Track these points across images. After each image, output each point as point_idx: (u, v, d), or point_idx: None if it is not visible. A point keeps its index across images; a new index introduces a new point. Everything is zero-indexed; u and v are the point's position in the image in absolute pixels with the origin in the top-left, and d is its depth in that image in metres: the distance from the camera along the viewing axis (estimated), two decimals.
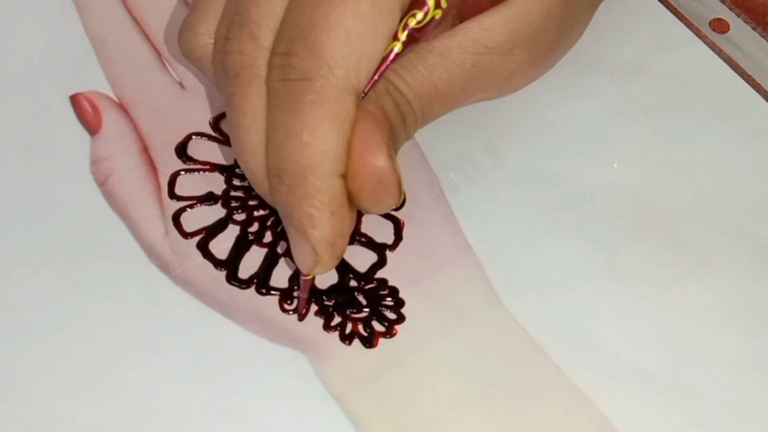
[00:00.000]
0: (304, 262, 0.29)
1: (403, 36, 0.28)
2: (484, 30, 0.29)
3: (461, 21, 0.29)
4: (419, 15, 0.28)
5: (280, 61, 0.27)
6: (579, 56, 0.34)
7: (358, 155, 0.27)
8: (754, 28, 0.38)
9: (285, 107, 0.27)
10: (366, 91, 0.27)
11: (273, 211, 0.33)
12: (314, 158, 0.27)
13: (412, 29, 0.28)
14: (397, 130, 0.28)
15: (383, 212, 0.30)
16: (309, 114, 0.27)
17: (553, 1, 0.30)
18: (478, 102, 0.31)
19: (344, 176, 0.27)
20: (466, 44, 0.29)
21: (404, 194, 0.33)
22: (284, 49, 0.27)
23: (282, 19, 0.28)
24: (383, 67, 0.28)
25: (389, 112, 0.28)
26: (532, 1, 0.29)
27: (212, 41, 0.30)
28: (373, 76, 0.27)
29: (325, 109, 0.27)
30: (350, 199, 0.28)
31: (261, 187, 0.29)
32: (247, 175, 0.29)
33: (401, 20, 0.28)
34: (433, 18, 0.28)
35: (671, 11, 0.38)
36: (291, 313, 0.31)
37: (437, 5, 0.28)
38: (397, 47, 0.28)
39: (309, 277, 0.30)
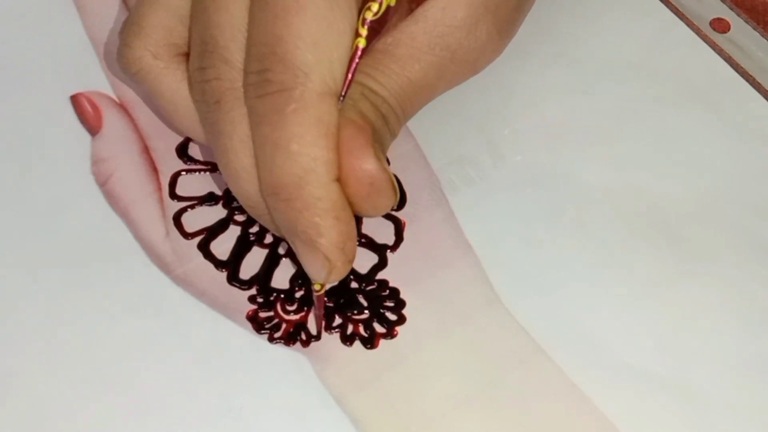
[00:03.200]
0: (317, 273, 0.28)
1: (363, 31, 0.28)
2: (442, 9, 0.29)
3: (417, 4, 0.29)
4: (374, 6, 0.28)
5: (255, 79, 0.27)
6: (580, 56, 0.34)
7: (346, 162, 0.27)
8: (754, 28, 0.38)
9: (268, 122, 0.27)
10: (344, 93, 0.28)
11: None
12: (307, 166, 0.27)
13: (371, 21, 0.28)
14: (380, 131, 0.28)
15: (382, 214, 0.30)
16: (293, 123, 0.27)
17: None
18: (457, 85, 0.31)
19: (339, 180, 0.27)
20: (428, 28, 0.29)
21: (404, 194, 0.33)
22: (256, 67, 0.27)
23: (247, 37, 0.28)
24: (353, 66, 0.28)
25: (369, 115, 0.28)
26: None
27: (149, 55, 0.30)
28: (346, 76, 0.27)
29: (309, 115, 0.27)
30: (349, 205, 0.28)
31: (258, 210, 0.29)
32: (242, 201, 0.29)
33: (359, 16, 0.28)
34: (388, 6, 0.28)
35: (672, 11, 0.38)
36: (312, 339, 0.31)
37: None
38: (361, 43, 0.28)
39: (321, 293, 0.30)
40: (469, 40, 0.29)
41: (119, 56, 0.31)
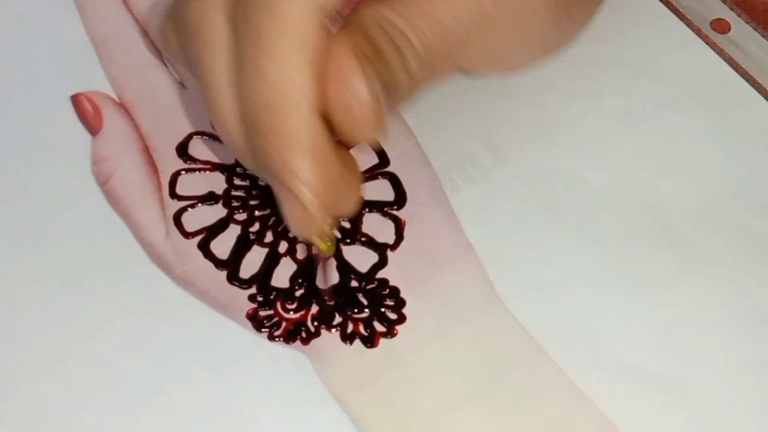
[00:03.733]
0: (295, 223, 0.26)
1: None
2: None
3: None
4: None
5: None
6: (580, 56, 0.34)
7: (333, 83, 0.25)
8: (755, 29, 0.38)
9: (249, 41, 0.24)
10: (344, 14, 0.25)
11: (274, 211, 0.33)
12: (285, 93, 0.24)
13: None
14: (391, 61, 0.25)
15: (367, 142, 0.26)
16: (272, 43, 0.24)
17: None
18: (489, 72, 0.28)
19: (324, 116, 0.25)
20: None
21: (404, 192, 0.33)
22: None
23: None
24: None
25: (377, 39, 0.25)
26: None
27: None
28: None
29: (290, 36, 0.24)
30: (332, 131, 0.25)
31: (243, 154, 0.26)
32: (227, 143, 0.26)
33: None
34: None
35: (672, 11, 0.38)
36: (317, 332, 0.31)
37: None
38: None
39: (329, 255, 0.28)
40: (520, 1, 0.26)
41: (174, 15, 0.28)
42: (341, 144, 0.26)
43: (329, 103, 0.25)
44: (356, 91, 0.25)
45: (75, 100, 0.35)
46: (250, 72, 0.24)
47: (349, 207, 0.27)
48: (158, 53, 0.36)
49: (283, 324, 0.31)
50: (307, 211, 0.25)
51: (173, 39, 0.28)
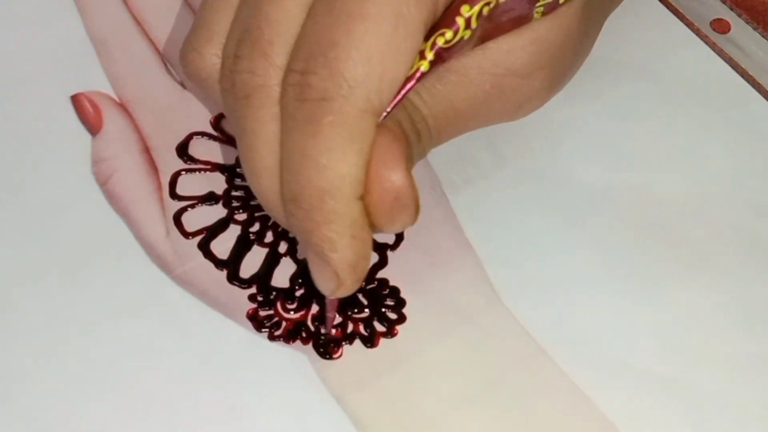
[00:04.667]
0: (325, 286, 0.27)
1: (430, 55, 0.26)
2: (505, 52, 0.28)
3: (482, 42, 0.28)
4: (448, 34, 0.26)
5: (297, 79, 0.26)
6: None
7: (374, 171, 0.26)
8: (755, 29, 0.38)
9: (302, 129, 0.26)
10: (389, 111, 0.26)
11: None
12: (333, 182, 0.26)
13: (440, 48, 0.26)
14: (412, 147, 0.27)
15: (398, 231, 0.28)
16: (328, 136, 0.25)
17: (572, 25, 0.29)
18: (488, 126, 0.30)
19: (363, 198, 0.26)
20: (486, 65, 0.28)
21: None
22: (301, 66, 0.26)
23: (299, 34, 0.26)
24: (408, 87, 0.26)
25: (406, 128, 0.27)
26: (552, 24, 0.29)
27: (219, 61, 0.28)
28: (396, 96, 0.26)
29: (345, 131, 0.25)
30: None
31: (275, 212, 0.28)
32: (260, 200, 0.28)
33: (427, 39, 0.26)
34: (461, 38, 0.26)
35: (672, 11, 0.38)
36: (320, 338, 0.31)
37: (467, 25, 0.26)
38: (424, 66, 0.26)
39: (334, 297, 0.29)
40: (521, 86, 0.29)
41: (186, 62, 0.29)
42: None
43: (370, 191, 0.26)
44: (396, 178, 0.26)
45: (75, 100, 0.35)
46: (302, 156, 0.26)
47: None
48: (158, 54, 0.36)
49: (284, 324, 0.31)
50: (341, 281, 0.27)
51: (213, 87, 0.29)
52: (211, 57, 0.28)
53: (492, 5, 0.26)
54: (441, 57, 0.26)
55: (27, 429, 0.29)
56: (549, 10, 0.28)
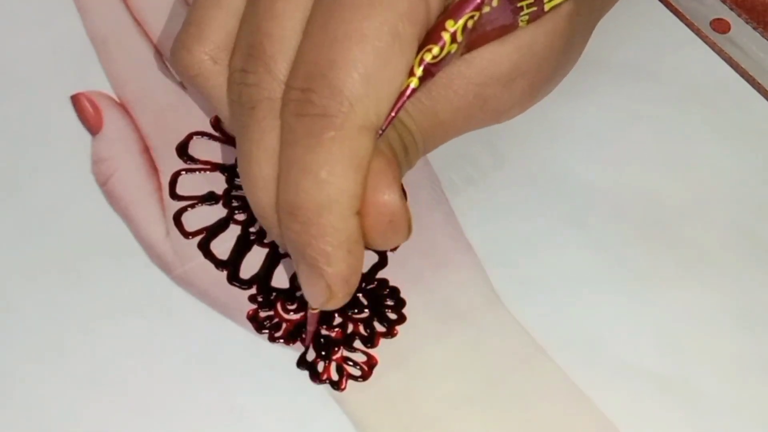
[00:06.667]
0: (315, 298, 0.28)
1: (419, 71, 0.27)
2: (488, 60, 0.29)
3: (468, 50, 0.28)
4: (435, 50, 0.27)
5: (297, 96, 0.26)
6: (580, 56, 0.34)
7: (370, 195, 0.27)
8: (755, 28, 0.38)
9: (302, 143, 0.26)
10: (384, 128, 0.27)
11: None
12: (332, 196, 0.26)
13: (428, 64, 0.27)
14: (401, 164, 0.28)
15: (389, 248, 0.29)
16: (328, 151, 0.26)
17: (556, 33, 0.29)
18: (474, 130, 0.31)
19: (358, 214, 0.27)
20: (469, 75, 0.29)
21: (405, 194, 0.33)
22: (302, 84, 0.26)
23: (298, 53, 0.27)
24: (400, 104, 0.27)
25: (395, 147, 0.28)
26: (536, 32, 0.29)
27: (208, 59, 0.29)
28: (390, 113, 0.27)
29: (345, 147, 0.26)
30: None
31: (268, 222, 0.28)
32: (255, 210, 0.28)
33: (416, 55, 0.27)
34: (448, 53, 0.27)
35: (672, 11, 0.38)
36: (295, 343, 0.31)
37: (453, 40, 0.27)
38: (414, 83, 0.27)
39: (316, 311, 0.30)
40: (504, 94, 0.29)
41: (176, 59, 0.30)
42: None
43: (366, 214, 0.27)
44: (391, 202, 0.27)
45: (75, 100, 0.35)
46: (301, 169, 0.26)
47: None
48: (158, 53, 0.36)
49: (284, 325, 0.31)
50: (333, 293, 0.27)
51: (215, 92, 0.30)
52: (201, 55, 0.29)
53: (476, 18, 0.27)
54: (429, 72, 0.27)
55: (26, 428, 0.29)
56: (534, 17, 0.28)
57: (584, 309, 0.32)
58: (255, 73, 0.27)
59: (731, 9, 0.38)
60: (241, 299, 0.31)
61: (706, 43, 0.38)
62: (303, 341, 0.31)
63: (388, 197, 0.27)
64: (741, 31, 0.38)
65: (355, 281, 0.28)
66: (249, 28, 0.28)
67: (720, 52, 0.37)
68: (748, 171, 0.35)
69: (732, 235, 0.33)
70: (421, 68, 0.27)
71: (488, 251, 0.33)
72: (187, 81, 0.30)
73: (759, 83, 0.37)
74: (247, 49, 0.28)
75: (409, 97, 0.27)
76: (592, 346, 0.31)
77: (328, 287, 0.27)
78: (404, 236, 0.28)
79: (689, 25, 0.38)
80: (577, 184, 0.34)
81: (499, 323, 0.31)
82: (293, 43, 0.27)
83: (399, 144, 0.28)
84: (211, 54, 0.29)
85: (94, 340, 0.30)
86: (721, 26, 0.38)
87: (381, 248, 0.28)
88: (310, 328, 0.30)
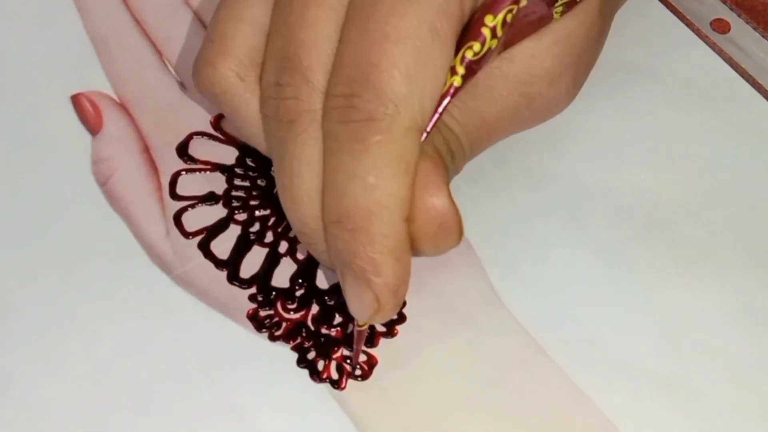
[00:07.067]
0: (362, 311, 0.27)
1: (461, 69, 0.26)
2: (530, 57, 0.28)
3: (505, 48, 0.28)
4: (476, 46, 0.26)
5: (341, 102, 0.26)
6: None
7: (419, 198, 0.26)
8: (755, 29, 0.38)
9: (348, 149, 0.26)
10: (429, 129, 0.26)
11: (274, 211, 0.33)
12: (381, 201, 0.25)
13: (470, 61, 0.26)
14: (449, 168, 0.28)
15: (441, 254, 0.28)
16: (375, 155, 0.25)
17: (592, 21, 0.29)
18: (519, 131, 0.30)
19: (408, 220, 0.26)
20: (513, 73, 0.28)
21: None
22: (344, 90, 0.26)
23: (335, 60, 0.26)
24: (445, 103, 0.26)
25: (441, 151, 0.27)
26: (572, 22, 0.28)
27: (234, 76, 0.28)
28: (434, 114, 0.26)
29: (393, 150, 0.25)
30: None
31: (312, 238, 0.28)
32: (296, 226, 0.28)
33: (456, 53, 0.26)
34: (489, 48, 0.26)
35: (672, 11, 0.38)
36: (349, 367, 0.30)
37: (493, 35, 0.26)
38: (457, 81, 0.26)
39: (364, 328, 0.29)
40: (549, 91, 0.29)
41: (199, 77, 0.29)
42: None
43: (415, 218, 0.26)
44: (440, 205, 0.26)
45: (75, 100, 0.35)
46: (348, 176, 0.26)
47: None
48: (158, 53, 0.36)
49: (284, 324, 0.31)
50: (381, 305, 0.26)
51: (243, 109, 0.29)
52: (226, 71, 0.29)
53: (514, 11, 0.26)
54: (472, 70, 0.26)
55: (26, 428, 0.29)
56: (567, 8, 0.28)
57: (584, 309, 0.32)
58: (292, 85, 0.27)
59: (731, 9, 0.38)
60: (241, 299, 0.31)
61: (706, 43, 0.38)
62: (344, 359, 0.30)
63: (438, 200, 0.26)
64: (741, 31, 0.38)
65: (403, 293, 0.27)
66: (280, 39, 0.27)
67: (720, 52, 0.37)
68: (748, 171, 0.35)
69: (732, 235, 0.33)
70: (463, 66, 0.26)
71: (488, 251, 0.33)
72: (212, 99, 0.29)
73: (759, 83, 0.37)
74: (280, 61, 0.27)
75: (453, 96, 0.26)
76: (592, 346, 0.31)
77: (376, 299, 0.26)
78: (455, 241, 0.27)
79: (689, 25, 0.38)
80: (577, 183, 0.34)
81: (499, 323, 0.31)
82: (329, 51, 0.26)
83: (445, 148, 0.28)
84: (236, 70, 0.28)
85: (94, 340, 0.30)
86: (721, 26, 0.38)
87: (430, 254, 0.27)
88: (357, 347, 0.30)
